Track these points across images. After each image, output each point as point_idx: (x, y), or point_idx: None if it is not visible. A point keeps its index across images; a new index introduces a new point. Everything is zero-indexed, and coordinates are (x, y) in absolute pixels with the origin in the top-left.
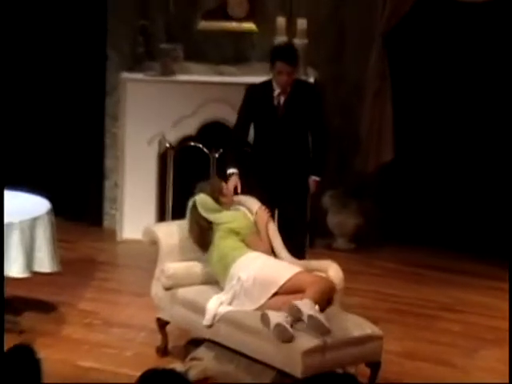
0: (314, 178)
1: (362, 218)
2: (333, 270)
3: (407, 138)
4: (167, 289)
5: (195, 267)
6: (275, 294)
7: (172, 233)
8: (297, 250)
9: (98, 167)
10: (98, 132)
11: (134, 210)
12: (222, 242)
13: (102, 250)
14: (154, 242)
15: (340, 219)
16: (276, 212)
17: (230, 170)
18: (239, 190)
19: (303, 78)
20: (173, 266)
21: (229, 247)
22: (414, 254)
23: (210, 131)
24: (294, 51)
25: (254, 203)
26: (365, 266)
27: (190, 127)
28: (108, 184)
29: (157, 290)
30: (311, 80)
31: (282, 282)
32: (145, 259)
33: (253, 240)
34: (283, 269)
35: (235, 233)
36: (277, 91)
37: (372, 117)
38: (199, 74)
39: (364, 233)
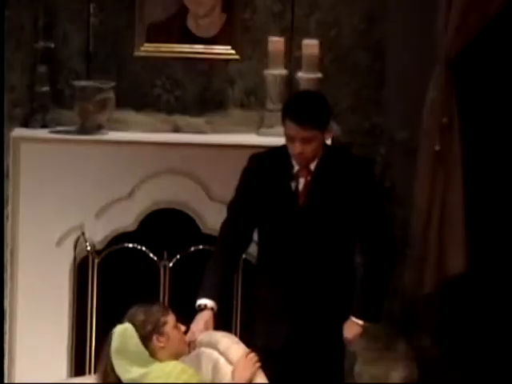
0: (356, 322)
1: (414, 369)
2: None
3: (487, 236)
4: None
5: None
6: None
7: None
8: None
9: None
10: None
11: (33, 356)
12: None
13: None
14: None
15: (378, 371)
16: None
17: (202, 301)
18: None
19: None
20: None
21: None
22: None
23: (160, 223)
24: (315, 103)
25: (238, 352)
26: None
27: (126, 218)
28: None
29: None
30: (327, 141)
31: None
32: None
33: None
34: None
35: None
36: (296, 167)
37: (431, 196)
38: (141, 130)
39: None
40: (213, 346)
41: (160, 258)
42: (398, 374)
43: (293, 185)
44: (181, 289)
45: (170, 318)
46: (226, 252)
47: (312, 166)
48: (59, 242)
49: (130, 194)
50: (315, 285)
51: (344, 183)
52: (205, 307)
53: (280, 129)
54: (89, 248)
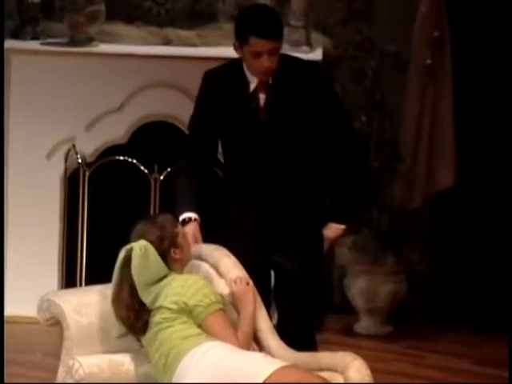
0: (334, 226)
1: (403, 283)
2: (354, 370)
3: (475, 153)
4: None
5: (124, 364)
6: None
7: (87, 306)
8: (302, 336)
9: None
10: None
11: (23, 269)
12: (164, 327)
13: None
14: (55, 322)
15: (367, 285)
16: (271, 280)
17: (185, 215)
18: (199, 242)
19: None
20: (87, 362)
21: (175, 336)
22: (490, 341)
23: (150, 136)
24: (273, 13)
25: (229, 265)
26: (409, 365)
27: (117, 130)
28: None
29: None
30: (317, 55)
31: None
32: (40, 350)
33: (215, 324)
34: (254, 365)
35: (186, 312)
36: (253, 82)
37: (421, 111)
38: (132, 42)
39: (407, 307)
40: (204, 258)
41: (151, 171)
42: (386, 287)
43: (253, 102)
44: (171, 201)
45: (180, 228)
46: (193, 169)
47: (269, 80)
48: (50, 155)
49: (121, 107)
50: (285, 198)
51: (303, 92)
52: (189, 220)
53: None
54: (80, 160)
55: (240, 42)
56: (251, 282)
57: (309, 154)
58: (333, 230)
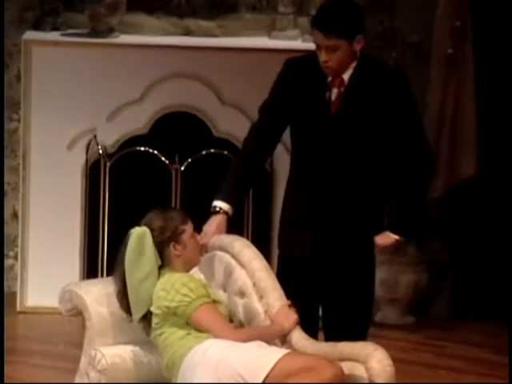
0: (389, 235)
1: (424, 273)
2: (376, 360)
3: (497, 143)
4: None
5: (146, 355)
6: None
7: (108, 296)
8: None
9: None
10: None
11: (45, 260)
12: (158, 334)
13: None
14: (77, 313)
15: (388, 275)
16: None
17: (218, 203)
18: (222, 233)
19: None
20: (109, 353)
21: (168, 342)
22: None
23: (171, 127)
24: (341, 11)
25: (250, 255)
26: (430, 355)
27: (138, 121)
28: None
29: None
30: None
31: (261, 376)
32: (62, 340)
33: (201, 319)
34: (258, 357)
35: (171, 315)
36: (330, 76)
37: (443, 101)
38: (152, 33)
39: (428, 297)
40: (224, 249)
41: (171, 161)
42: (407, 277)
43: (326, 94)
44: (192, 192)
45: (189, 227)
46: (250, 156)
47: (345, 77)
48: (71, 146)
49: (142, 98)
50: (344, 196)
51: (378, 94)
52: (220, 210)
53: (291, 32)
54: (101, 151)
55: (311, 31)
56: (297, 317)
57: (375, 156)
58: (386, 238)
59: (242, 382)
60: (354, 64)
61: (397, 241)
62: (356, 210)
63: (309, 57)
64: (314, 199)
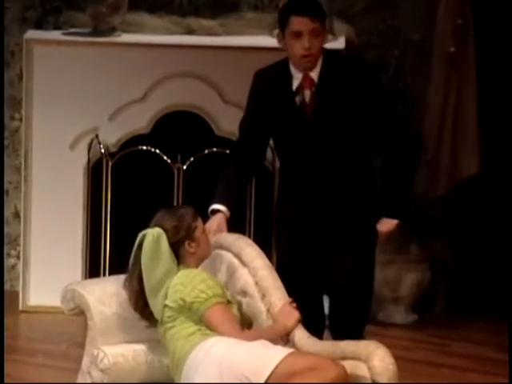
0: (387, 221)
1: (427, 272)
2: (378, 359)
3: (499, 141)
4: None
5: (149, 354)
6: None
7: (110, 296)
8: (352, 331)
9: None
10: None
11: (47, 259)
12: (169, 327)
13: None
14: (80, 312)
15: (391, 273)
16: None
17: (214, 206)
18: (223, 232)
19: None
20: (112, 352)
21: (179, 336)
22: None
23: (173, 126)
24: None
25: (252, 254)
26: (433, 353)
27: (140, 120)
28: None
29: None
30: (340, 43)
31: (265, 375)
32: (64, 339)
33: (214, 318)
34: (262, 356)
35: (185, 309)
36: (297, 78)
37: (444, 99)
38: (154, 32)
39: (431, 295)
40: (227, 247)
41: (174, 160)
42: (410, 276)
43: (297, 99)
44: (194, 191)
45: (199, 223)
46: (237, 166)
47: (314, 75)
48: (73, 145)
49: (144, 97)
50: (335, 196)
51: (350, 87)
52: (217, 211)
53: None
54: (103, 150)
55: (282, 27)
56: (299, 316)
57: (357, 150)
58: (386, 224)
59: (246, 381)
60: (320, 61)
61: (396, 224)
62: (347, 205)
63: (278, 65)
64: (310, 205)
